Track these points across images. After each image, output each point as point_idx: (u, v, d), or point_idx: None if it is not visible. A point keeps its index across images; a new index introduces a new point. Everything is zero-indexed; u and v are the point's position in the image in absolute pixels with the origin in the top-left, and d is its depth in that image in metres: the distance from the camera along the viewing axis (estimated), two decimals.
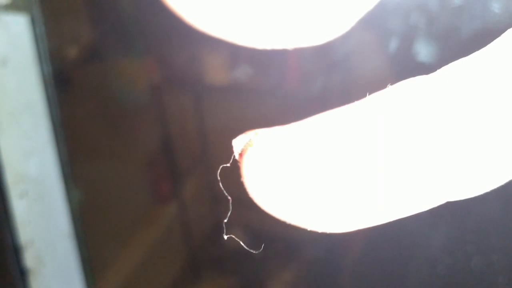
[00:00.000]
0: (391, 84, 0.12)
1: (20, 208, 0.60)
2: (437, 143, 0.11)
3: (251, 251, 0.15)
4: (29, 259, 0.61)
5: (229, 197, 0.15)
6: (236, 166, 0.14)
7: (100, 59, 0.61)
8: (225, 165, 0.14)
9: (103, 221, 0.66)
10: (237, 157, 0.13)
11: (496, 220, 0.42)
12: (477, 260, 0.42)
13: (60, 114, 0.61)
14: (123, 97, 0.61)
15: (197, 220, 0.62)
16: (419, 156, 0.11)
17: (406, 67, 0.41)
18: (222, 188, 0.14)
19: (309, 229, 0.13)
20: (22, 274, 0.60)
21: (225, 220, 0.15)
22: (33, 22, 0.58)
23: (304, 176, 0.12)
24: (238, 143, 0.13)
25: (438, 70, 0.12)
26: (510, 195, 0.39)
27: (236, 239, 0.14)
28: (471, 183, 0.11)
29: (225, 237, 0.14)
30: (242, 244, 0.14)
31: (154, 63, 0.59)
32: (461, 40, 0.37)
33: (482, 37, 0.35)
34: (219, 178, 0.14)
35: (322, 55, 0.45)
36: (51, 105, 0.60)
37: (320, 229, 0.13)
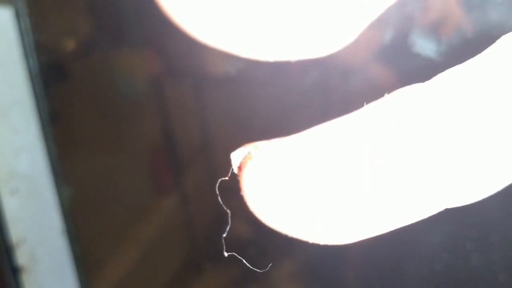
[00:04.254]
0: (388, 93, 0.12)
1: (12, 206, 0.59)
2: (434, 151, 0.11)
3: (256, 269, 0.14)
4: (22, 257, 0.60)
5: (228, 211, 0.14)
6: (235, 178, 0.13)
7: (89, 51, 0.60)
8: (223, 178, 0.14)
9: (97, 217, 0.65)
10: (236, 170, 0.13)
11: (496, 217, 0.42)
12: (476, 257, 0.43)
13: (50, 109, 0.60)
14: (114, 90, 0.60)
15: (197, 213, 0.62)
16: (418, 165, 0.11)
17: (406, 64, 0.41)
18: (221, 202, 0.14)
19: (310, 241, 0.13)
20: (14, 272, 0.60)
21: (224, 235, 0.14)
22: (18, 15, 0.56)
23: (304, 188, 0.12)
24: (237, 157, 0.13)
25: (434, 77, 0.12)
26: (510, 192, 0.39)
27: (239, 257, 0.13)
28: (470, 190, 0.12)
29: (226, 254, 0.13)
30: (246, 263, 0.14)
31: (150, 54, 0.58)
32: (461, 32, 0.36)
33: (483, 28, 0.35)
34: (217, 192, 0.14)
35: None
36: (39, 100, 0.59)
37: (321, 242, 0.13)
